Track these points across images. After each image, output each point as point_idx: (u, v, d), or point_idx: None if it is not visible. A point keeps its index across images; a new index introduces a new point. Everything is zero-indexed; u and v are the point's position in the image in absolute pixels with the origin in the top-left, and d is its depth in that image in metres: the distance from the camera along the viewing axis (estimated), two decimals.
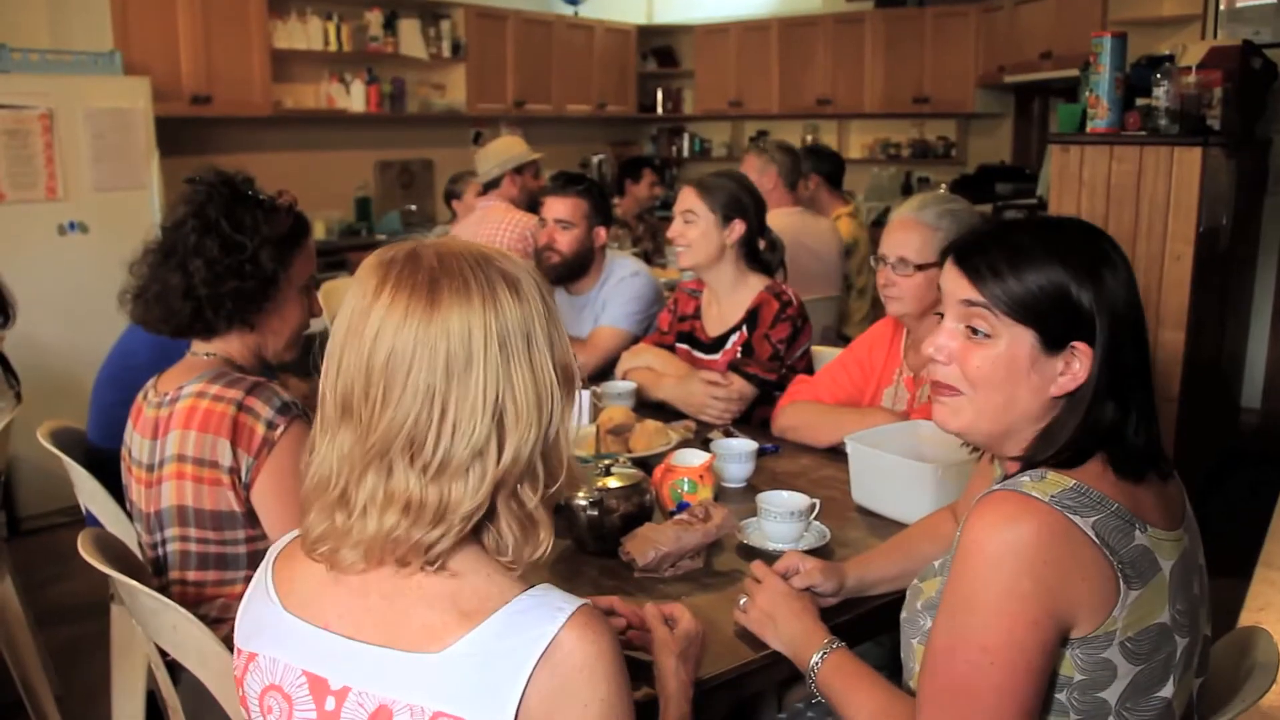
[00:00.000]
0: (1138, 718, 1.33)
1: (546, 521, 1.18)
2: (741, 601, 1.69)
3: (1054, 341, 1.36)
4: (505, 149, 5.06)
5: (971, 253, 1.41)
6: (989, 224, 1.48)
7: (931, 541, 1.84)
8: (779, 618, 1.61)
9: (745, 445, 2.39)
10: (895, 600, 1.81)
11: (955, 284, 1.42)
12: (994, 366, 1.38)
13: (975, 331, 1.40)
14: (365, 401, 1.12)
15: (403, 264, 1.14)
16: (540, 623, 1.10)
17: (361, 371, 1.12)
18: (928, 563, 1.76)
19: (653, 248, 6.24)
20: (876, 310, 5.00)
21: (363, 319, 1.13)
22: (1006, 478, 1.42)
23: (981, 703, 1.27)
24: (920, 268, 2.44)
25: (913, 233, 2.46)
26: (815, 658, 1.53)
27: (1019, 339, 1.37)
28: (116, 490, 2.25)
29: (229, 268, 1.93)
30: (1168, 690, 1.34)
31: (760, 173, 4.67)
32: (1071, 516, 1.27)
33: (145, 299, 1.97)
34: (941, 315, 1.46)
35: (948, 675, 1.30)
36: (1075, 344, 1.35)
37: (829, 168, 5.49)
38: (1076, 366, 1.36)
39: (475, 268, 1.14)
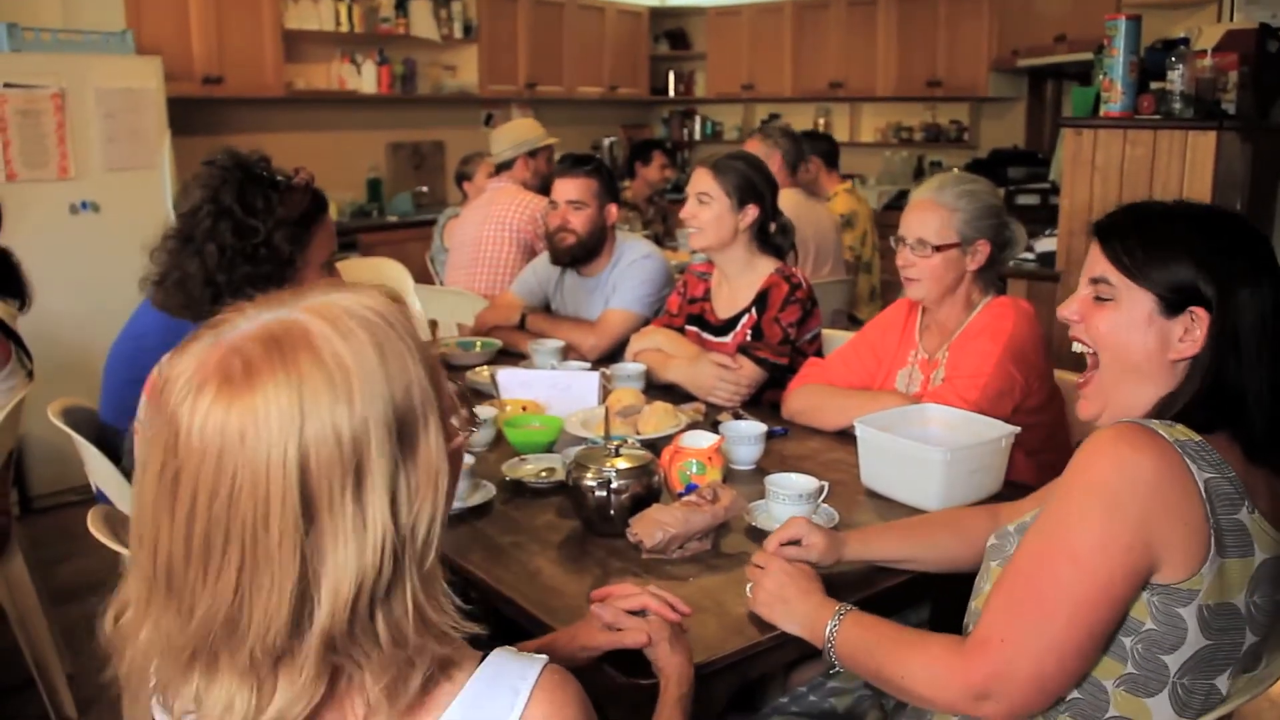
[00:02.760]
0: (1191, 700, 1.34)
1: (439, 613, 0.96)
2: (748, 588, 1.69)
3: (1172, 305, 1.43)
4: (522, 131, 5.04)
5: (1112, 232, 1.50)
6: (1140, 205, 1.55)
7: (954, 534, 1.80)
8: (790, 598, 1.61)
9: (754, 428, 2.39)
10: (909, 582, 1.81)
11: (1093, 258, 1.52)
12: (1115, 326, 1.47)
13: (1100, 297, 1.49)
14: (185, 572, 0.90)
15: (219, 378, 0.90)
16: (500, 713, 0.96)
17: (180, 535, 0.90)
18: (944, 551, 1.77)
19: (663, 230, 6.23)
20: (889, 291, 5.00)
21: (164, 463, 0.90)
22: None
23: (1057, 610, 1.31)
24: (939, 249, 2.44)
25: (930, 213, 2.46)
26: (830, 624, 1.54)
27: (1138, 301, 1.45)
28: (126, 469, 2.26)
29: (242, 252, 1.93)
30: (1223, 680, 1.35)
31: (765, 158, 4.66)
32: (1190, 464, 1.30)
33: (166, 285, 1.98)
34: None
35: (1031, 579, 1.34)
36: (1193, 309, 1.41)
37: (825, 146, 5.58)
38: (1198, 333, 1.41)
39: (290, 361, 0.89)
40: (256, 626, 0.88)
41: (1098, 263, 1.50)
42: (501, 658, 1.00)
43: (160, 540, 0.91)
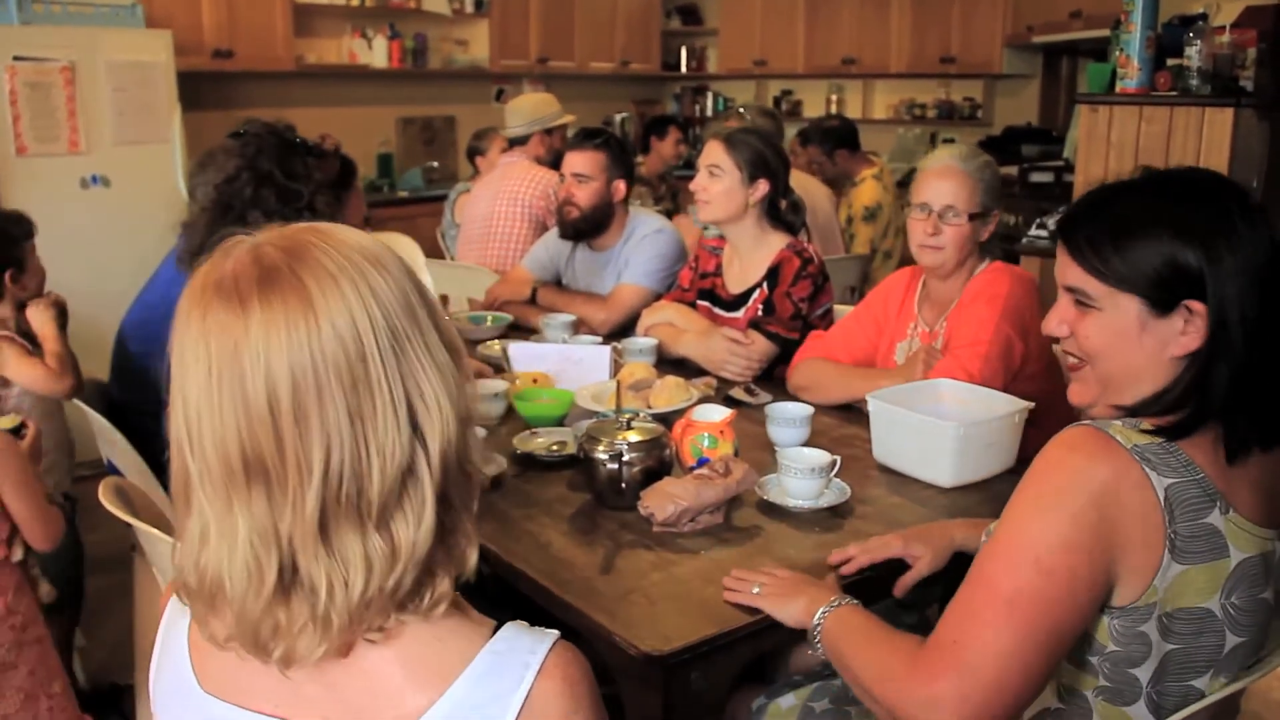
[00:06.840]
0: (1165, 702, 1.31)
1: (471, 533, 1.01)
2: (754, 588, 1.62)
3: (1162, 303, 1.32)
4: (539, 107, 5.00)
5: (1077, 232, 1.39)
6: (1103, 191, 1.43)
7: None
8: (789, 592, 1.58)
9: (803, 410, 2.35)
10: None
11: (1062, 263, 1.41)
12: (1102, 334, 1.37)
13: (1082, 303, 1.39)
14: (280, 454, 0.91)
15: (258, 271, 0.94)
16: (510, 685, 0.96)
17: (264, 419, 0.91)
18: None
19: (673, 207, 6.20)
20: None
21: (233, 354, 0.91)
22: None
23: (1021, 614, 1.24)
24: (972, 217, 2.44)
25: (960, 181, 2.44)
26: (822, 609, 1.49)
27: (1123, 307, 1.35)
28: (138, 441, 2.26)
29: (287, 217, 1.92)
30: (1203, 681, 1.32)
31: None
32: (1148, 471, 1.26)
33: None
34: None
35: (991, 583, 1.27)
36: (1189, 303, 1.31)
37: (844, 132, 5.44)
38: (1197, 326, 1.31)
39: (328, 249, 0.96)
40: (379, 468, 0.92)
41: (1069, 269, 1.40)
42: (513, 631, 1.00)
43: (229, 430, 0.92)
